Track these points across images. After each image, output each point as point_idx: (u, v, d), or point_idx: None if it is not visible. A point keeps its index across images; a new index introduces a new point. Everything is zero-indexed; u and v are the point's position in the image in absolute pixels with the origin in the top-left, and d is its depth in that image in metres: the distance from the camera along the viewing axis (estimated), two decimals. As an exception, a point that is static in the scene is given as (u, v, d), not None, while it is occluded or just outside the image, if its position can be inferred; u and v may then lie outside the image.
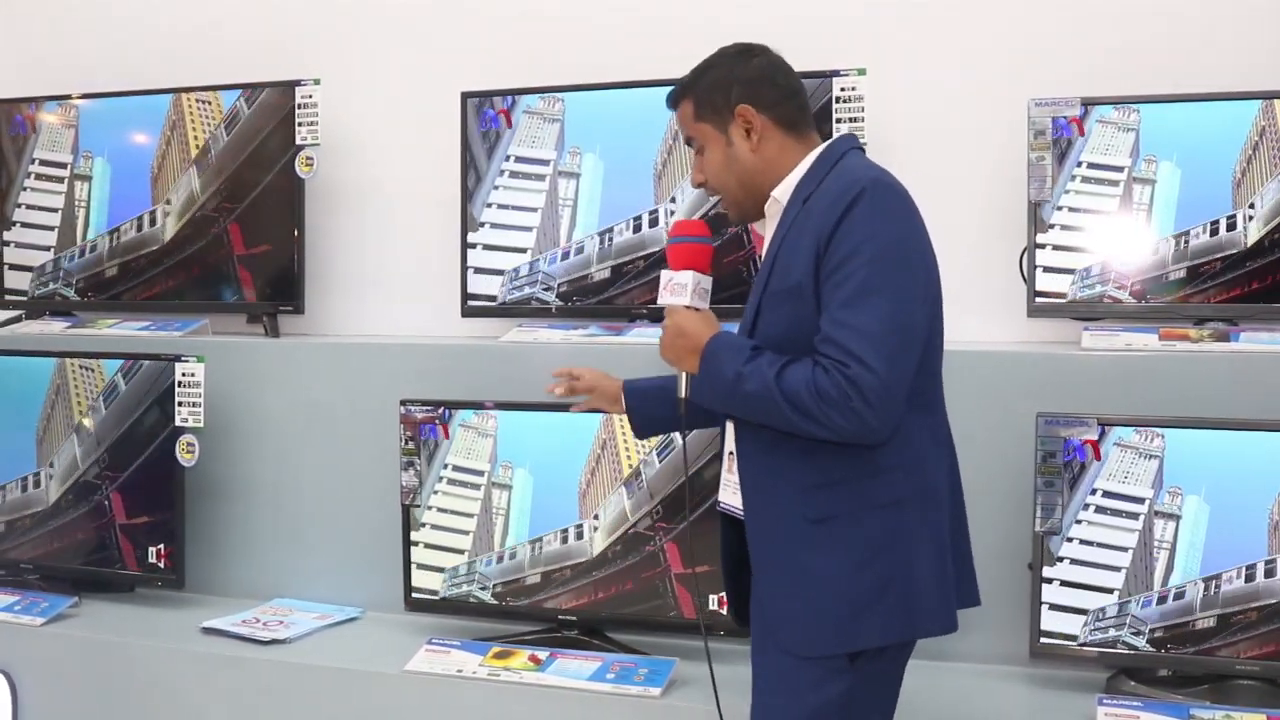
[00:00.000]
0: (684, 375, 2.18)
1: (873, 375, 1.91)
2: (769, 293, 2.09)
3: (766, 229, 2.19)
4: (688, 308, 2.14)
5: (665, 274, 2.18)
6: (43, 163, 3.89)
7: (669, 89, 2.24)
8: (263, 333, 3.62)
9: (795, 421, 1.96)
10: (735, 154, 2.14)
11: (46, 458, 3.51)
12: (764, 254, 2.16)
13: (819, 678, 2.05)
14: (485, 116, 3.42)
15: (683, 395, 2.19)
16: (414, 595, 3.15)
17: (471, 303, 3.44)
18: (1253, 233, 2.85)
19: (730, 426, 2.19)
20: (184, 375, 3.30)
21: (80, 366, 3.47)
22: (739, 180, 2.15)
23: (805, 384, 1.95)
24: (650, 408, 2.48)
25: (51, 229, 3.88)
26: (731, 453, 2.19)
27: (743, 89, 2.14)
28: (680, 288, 2.15)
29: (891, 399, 1.95)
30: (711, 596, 2.90)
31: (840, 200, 1.99)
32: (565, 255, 3.36)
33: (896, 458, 2.04)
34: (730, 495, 2.21)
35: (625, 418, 2.52)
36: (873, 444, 2.00)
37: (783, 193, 2.12)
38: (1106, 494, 2.63)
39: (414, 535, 3.14)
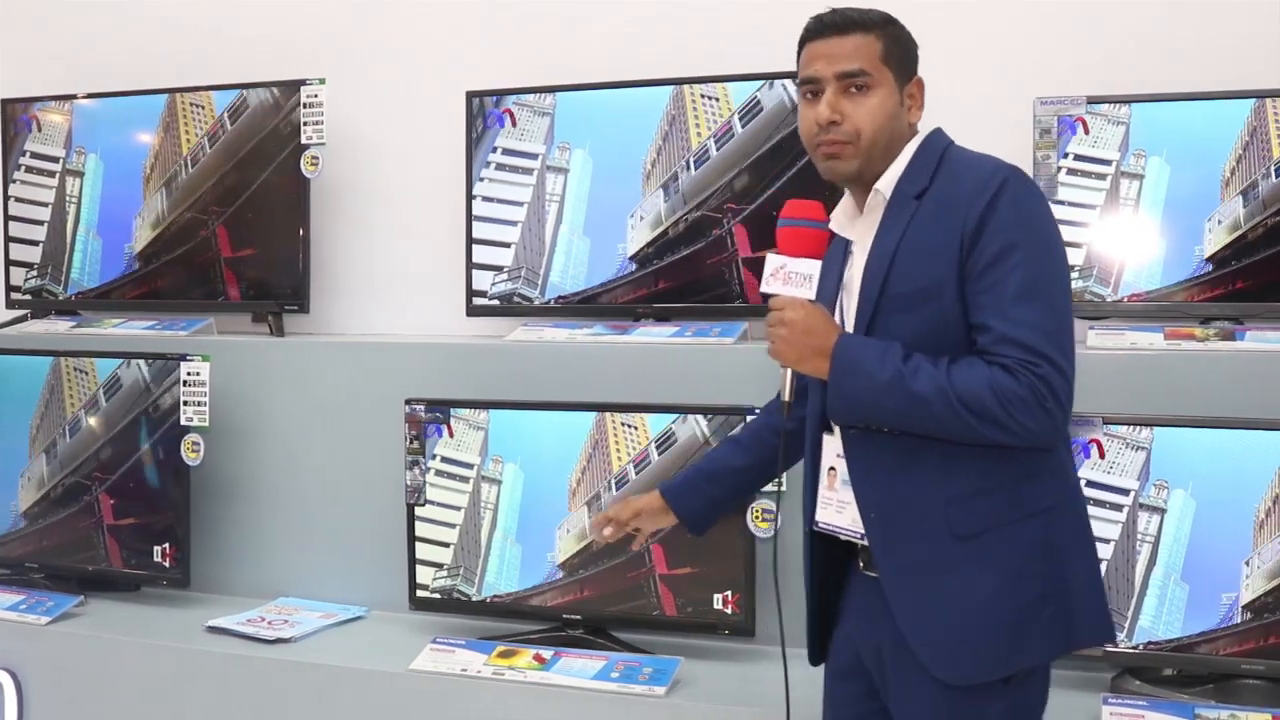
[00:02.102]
0: (789, 375, 2.01)
1: (1061, 375, 1.83)
2: (889, 296, 1.94)
3: (859, 222, 2.04)
4: (811, 302, 1.96)
5: (776, 259, 1.97)
6: (34, 155, 3.90)
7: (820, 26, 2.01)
8: (268, 332, 3.63)
9: (972, 425, 1.84)
10: (899, 115, 2.00)
11: (45, 456, 3.51)
12: (865, 252, 2.00)
13: (977, 707, 1.94)
14: (490, 116, 3.42)
15: (788, 399, 2.02)
16: (418, 594, 3.15)
17: (476, 301, 3.44)
18: (1255, 229, 2.85)
19: (831, 440, 2.05)
20: (189, 374, 3.31)
21: (74, 368, 3.47)
22: (889, 139, 1.98)
23: (985, 386, 1.82)
24: (695, 501, 2.36)
25: (41, 223, 3.89)
26: (832, 469, 2.05)
27: (916, 63, 2.06)
28: (803, 279, 1.95)
29: (1072, 398, 1.87)
30: (716, 595, 2.90)
31: (982, 192, 1.89)
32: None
33: (1045, 461, 1.94)
34: (833, 514, 2.05)
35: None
36: (1049, 446, 1.91)
37: (886, 185, 1.99)
38: (1090, 484, 2.60)
39: (418, 533, 3.14)
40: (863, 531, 2.00)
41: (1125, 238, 2.94)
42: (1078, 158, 2.95)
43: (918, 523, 1.93)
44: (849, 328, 2.00)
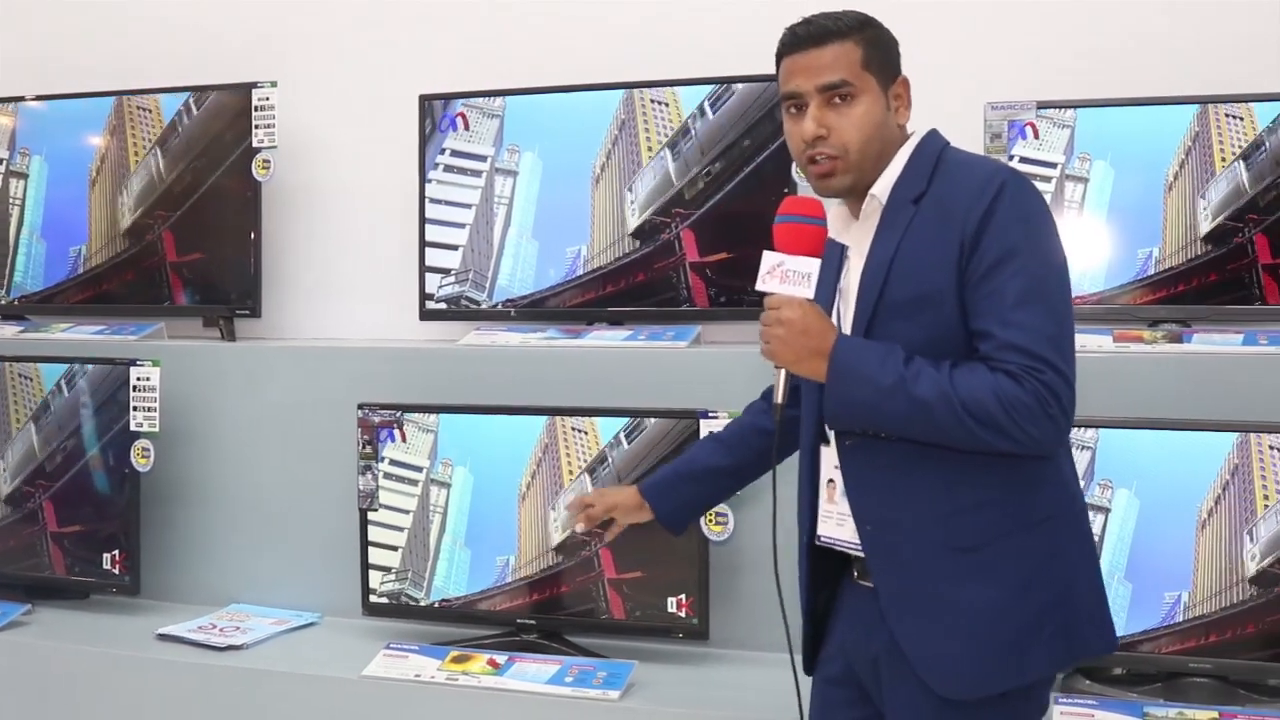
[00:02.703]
0: (783, 376, 1.93)
1: (1065, 381, 1.80)
2: (887, 303, 1.89)
3: (855, 228, 1.99)
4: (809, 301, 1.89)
5: (774, 257, 1.89)
6: None
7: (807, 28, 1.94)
8: (219, 336, 3.60)
9: (975, 432, 1.79)
10: (887, 120, 1.94)
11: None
12: (862, 258, 1.95)
13: None
14: (444, 120, 3.41)
15: (780, 401, 1.95)
16: (372, 600, 3.14)
17: (429, 305, 3.43)
18: (1201, 231, 2.89)
19: (829, 451, 1.99)
20: (139, 379, 3.27)
21: (19, 374, 3.43)
22: (879, 147, 1.93)
23: (989, 392, 1.78)
24: (674, 500, 2.32)
25: None
26: (831, 481, 2.00)
27: (899, 61, 1.99)
28: (801, 277, 1.87)
29: (1074, 404, 1.83)
30: (670, 599, 2.90)
31: (981, 196, 1.84)
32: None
33: (1045, 469, 1.89)
34: (834, 528, 1.99)
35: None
36: (1051, 455, 1.88)
37: (881, 190, 1.93)
38: None
39: (370, 538, 3.13)
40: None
41: (1071, 240, 2.96)
42: (1024, 160, 2.98)
43: (916, 536, 1.89)
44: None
